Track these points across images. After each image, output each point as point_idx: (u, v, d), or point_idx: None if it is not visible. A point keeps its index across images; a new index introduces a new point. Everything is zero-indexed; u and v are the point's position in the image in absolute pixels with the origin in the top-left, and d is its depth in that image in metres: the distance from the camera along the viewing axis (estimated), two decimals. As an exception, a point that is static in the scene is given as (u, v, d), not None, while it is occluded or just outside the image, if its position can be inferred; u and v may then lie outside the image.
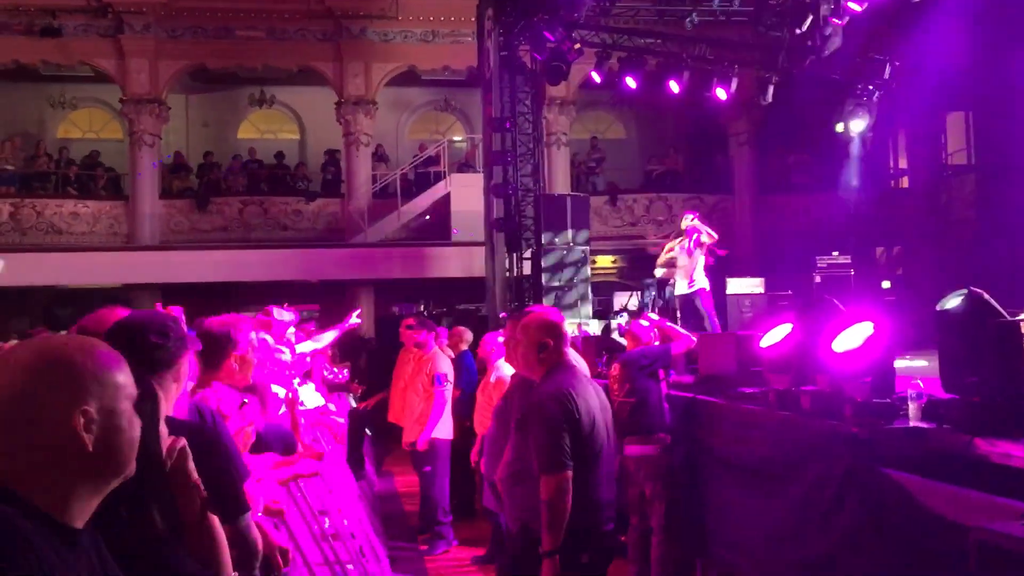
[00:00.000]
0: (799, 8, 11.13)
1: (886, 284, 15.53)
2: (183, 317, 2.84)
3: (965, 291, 3.81)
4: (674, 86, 13.05)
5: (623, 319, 10.78)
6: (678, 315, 10.12)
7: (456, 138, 20.39)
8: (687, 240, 10.09)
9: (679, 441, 5.81)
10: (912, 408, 3.87)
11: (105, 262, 16.68)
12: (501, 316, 11.76)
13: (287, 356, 4.85)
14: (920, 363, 7.11)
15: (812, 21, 10.75)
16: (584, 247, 12.85)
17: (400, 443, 7.93)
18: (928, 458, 3.58)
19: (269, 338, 4.64)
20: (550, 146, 17.77)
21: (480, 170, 15.61)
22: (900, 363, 5.08)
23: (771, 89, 12.79)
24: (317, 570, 4.10)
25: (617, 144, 20.94)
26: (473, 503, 8.04)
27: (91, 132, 20.30)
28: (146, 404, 1.58)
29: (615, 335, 9.54)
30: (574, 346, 5.05)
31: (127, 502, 1.51)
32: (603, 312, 13.16)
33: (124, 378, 1.37)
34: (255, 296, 15.63)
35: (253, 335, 3.23)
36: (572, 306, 12.31)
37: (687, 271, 10.06)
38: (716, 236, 10.16)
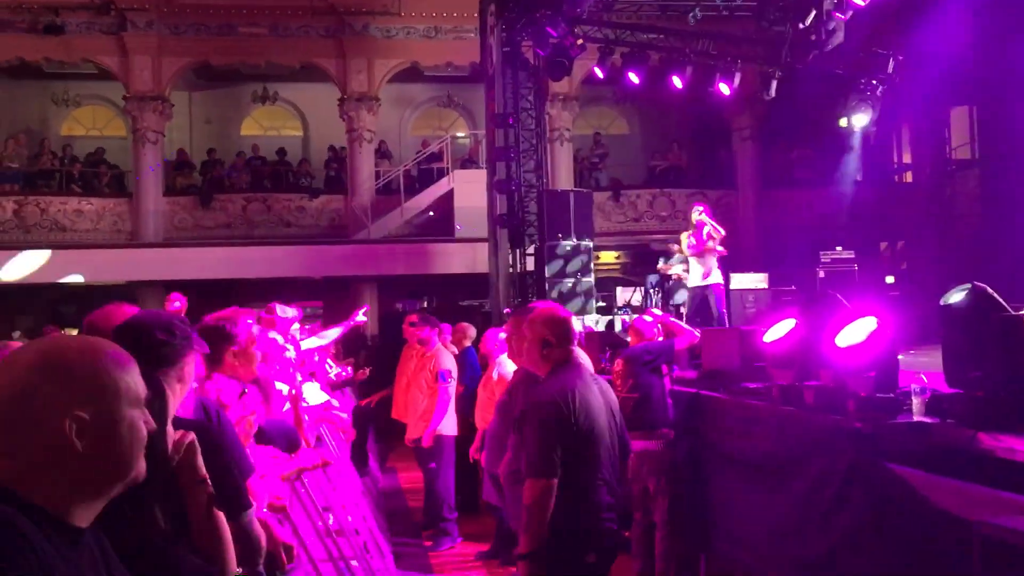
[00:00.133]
0: (802, 2, 11.09)
1: (890, 279, 15.49)
2: (184, 304, 2.86)
3: (969, 286, 3.81)
4: (677, 81, 13.05)
5: (627, 315, 10.79)
6: (683, 311, 10.12)
7: (459, 134, 20.36)
8: (697, 233, 10.12)
9: (682, 436, 5.82)
10: (916, 403, 3.86)
11: (109, 259, 16.74)
12: (505, 312, 11.76)
13: (291, 353, 4.86)
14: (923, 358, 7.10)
15: (815, 15, 10.72)
16: (587, 243, 12.84)
17: (404, 439, 7.94)
18: (932, 453, 3.57)
19: (279, 337, 4.65)
20: (553, 142, 17.76)
21: (483, 166, 15.59)
22: (903, 358, 5.07)
23: (774, 84, 12.77)
24: (321, 566, 4.10)
25: (620, 140, 20.92)
26: (477, 499, 8.04)
27: (95, 129, 20.32)
28: (155, 402, 1.59)
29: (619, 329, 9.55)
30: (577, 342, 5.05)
31: (130, 500, 1.50)
32: (606, 308, 13.15)
33: (129, 382, 1.34)
34: (259, 293, 15.62)
35: (255, 328, 3.23)
36: (576, 302, 12.30)
37: (701, 264, 10.08)
38: (723, 232, 10.16)
